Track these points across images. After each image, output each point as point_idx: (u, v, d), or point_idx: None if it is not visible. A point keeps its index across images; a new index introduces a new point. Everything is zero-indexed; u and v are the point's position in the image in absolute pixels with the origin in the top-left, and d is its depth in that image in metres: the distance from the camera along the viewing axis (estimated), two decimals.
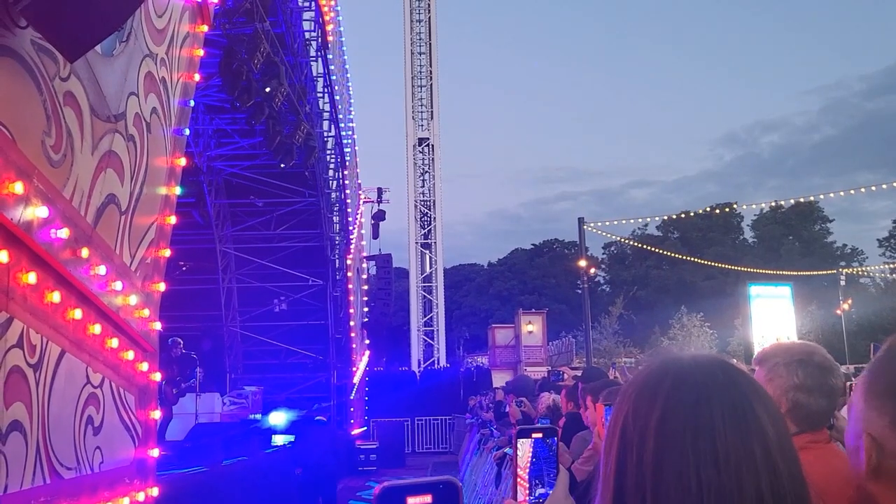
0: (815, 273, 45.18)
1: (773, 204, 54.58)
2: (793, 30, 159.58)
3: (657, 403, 1.32)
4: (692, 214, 52.89)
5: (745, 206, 66.49)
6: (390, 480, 1.26)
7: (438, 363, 48.56)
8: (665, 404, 1.31)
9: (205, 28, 7.20)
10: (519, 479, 2.15)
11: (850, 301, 44.99)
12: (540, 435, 2.21)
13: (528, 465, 2.15)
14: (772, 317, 32.50)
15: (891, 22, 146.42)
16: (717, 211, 55.75)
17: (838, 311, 42.49)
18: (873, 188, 32.43)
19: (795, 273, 40.45)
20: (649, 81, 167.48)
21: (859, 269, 59.16)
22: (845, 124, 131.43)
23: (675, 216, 49.63)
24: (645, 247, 56.69)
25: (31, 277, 4.01)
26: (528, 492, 2.15)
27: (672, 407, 1.31)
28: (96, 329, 4.94)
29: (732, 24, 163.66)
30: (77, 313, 4.63)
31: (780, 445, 1.29)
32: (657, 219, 62.86)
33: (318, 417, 15.15)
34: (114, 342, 5.31)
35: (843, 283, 44.34)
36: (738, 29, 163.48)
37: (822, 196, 42.20)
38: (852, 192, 34.32)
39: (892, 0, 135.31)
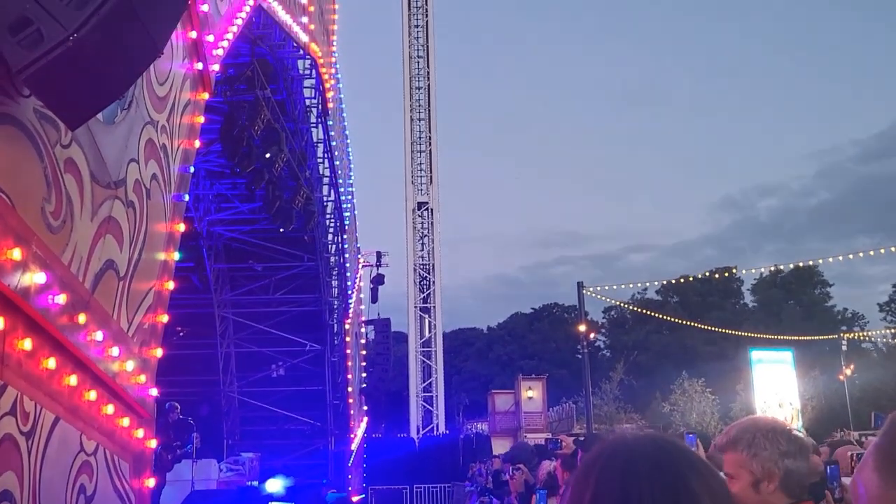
0: (816, 338, 44.94)
1: (773, 268, 54.63)
2: (786, 94, 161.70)
3: (590, 483, 1.35)
4: (692, 279, 52.87)
5: (745, 271, 66.60)
6: None
7: (438, 429, 48.02)
8: (596, 484, 1.34)
9: (206, 95, 7.29)
10: None
11: (852, 366, 44.67)
12: None
13: None
14: (774, 382, 32.31)
15: (881, 88, 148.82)
16: (717, 275, 55.72)
17: (841, 377, 42.17)
18: (871, 253, 32.52)
19: (797, 338, 40.28)
20: (646, 146, 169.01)
21: (861, 333, 58.84)
22: (840, 188, 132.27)
23: (674, 280, 49.51)
24: (645, 311, 56.55)
25: (27, 344, 3.99)
26: None
27: (602, 487, 1.33)
28: (92, 395, 4.90)
29: (728, 89, 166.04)
30: (72, 380, 4.59)
31: None
32: (657, 283, 62.68)
33: (331, 492, 15.22)
34: (109, 408, 5.26)
35: (844, 348, 44.09)
36: (734, 94, 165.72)
37: (821, 260, 42.32)
38: (851, 256, 34.42)
39: (882, 66, 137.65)
